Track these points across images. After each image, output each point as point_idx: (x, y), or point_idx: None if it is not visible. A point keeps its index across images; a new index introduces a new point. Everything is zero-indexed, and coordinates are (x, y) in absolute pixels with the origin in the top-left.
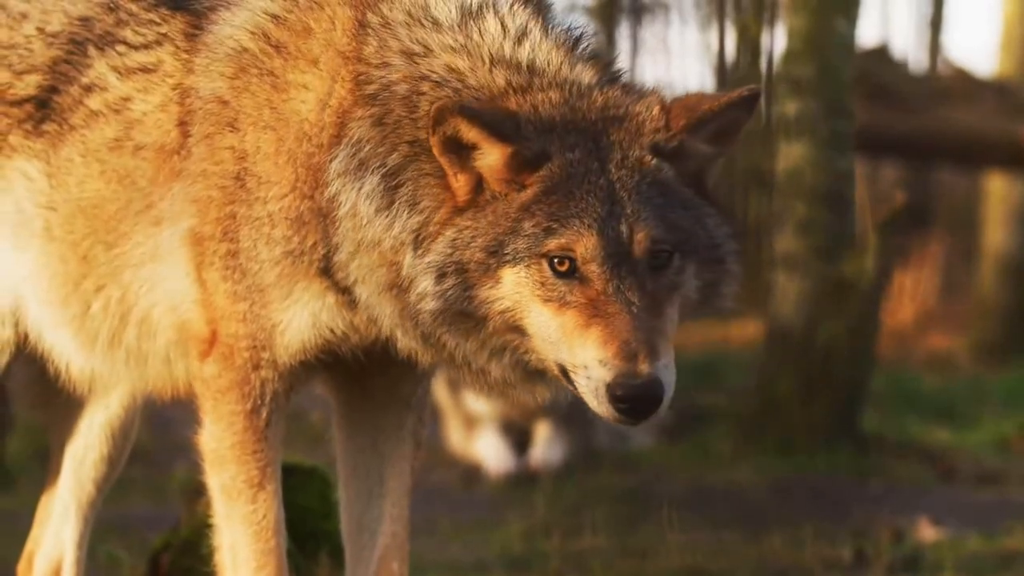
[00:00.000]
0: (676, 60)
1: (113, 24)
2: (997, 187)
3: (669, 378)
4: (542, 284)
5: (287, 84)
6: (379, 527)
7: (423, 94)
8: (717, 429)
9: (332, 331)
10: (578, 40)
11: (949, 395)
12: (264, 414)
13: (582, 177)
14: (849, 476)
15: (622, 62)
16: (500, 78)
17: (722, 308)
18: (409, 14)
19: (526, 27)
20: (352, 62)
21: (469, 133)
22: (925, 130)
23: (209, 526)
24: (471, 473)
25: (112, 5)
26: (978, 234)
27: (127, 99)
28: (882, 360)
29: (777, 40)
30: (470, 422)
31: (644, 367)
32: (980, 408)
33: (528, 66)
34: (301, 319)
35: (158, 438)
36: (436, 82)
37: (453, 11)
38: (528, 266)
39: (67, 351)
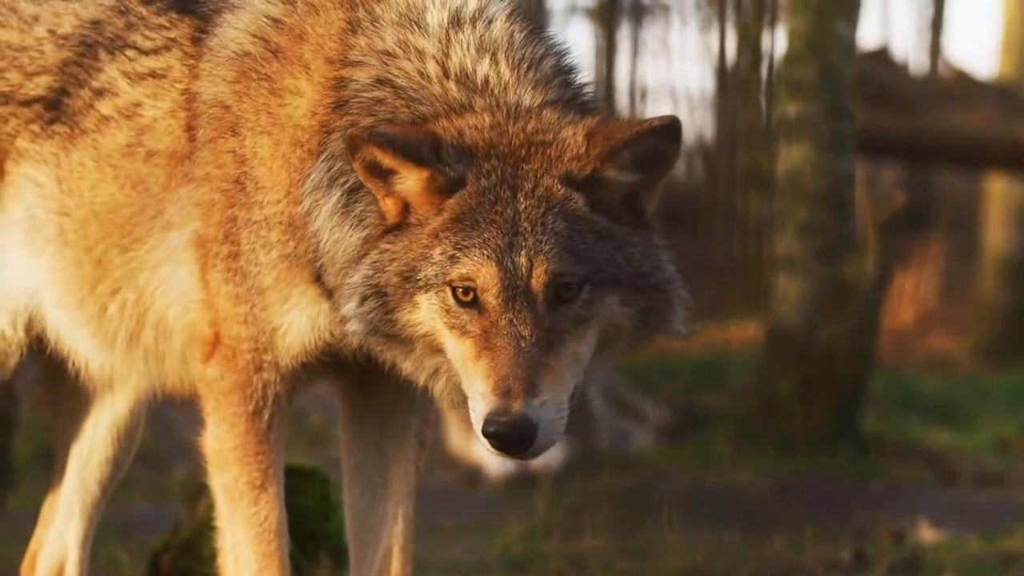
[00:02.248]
0: (677, 62)
1: (123, 27)
2: (997, 189)
3: (546, 416)
4: (447, 311)
5: (283, 89)
6: (383, 527)
7: (382, 102)
8: (717, 430)
9: (331, 334)
10: (542, 59)
11: (949, 396)
12: (266, 416)
13: (491, 205)
14: (849, 477)
15: (590, 80)
16: (451, 93)
17: (673, 333)
18: (402, 15)
19: (496, 42)
20: (336, 67)
21: (385, 159)
22: (925, 132)
23: (209, 527)
24: (471, 474)
25: (123, 8)
26: (978, 235)
27: (138, 104)
28: (882, 361)
29: (778, 42)
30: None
31: (516, 405)
32: (980, 409)
33: (481, 83)
34: (301, 322)
35: (159, 439)
36: (397, 87)
37: (444, 17)
38: (437, 292)
39: (86, 351)
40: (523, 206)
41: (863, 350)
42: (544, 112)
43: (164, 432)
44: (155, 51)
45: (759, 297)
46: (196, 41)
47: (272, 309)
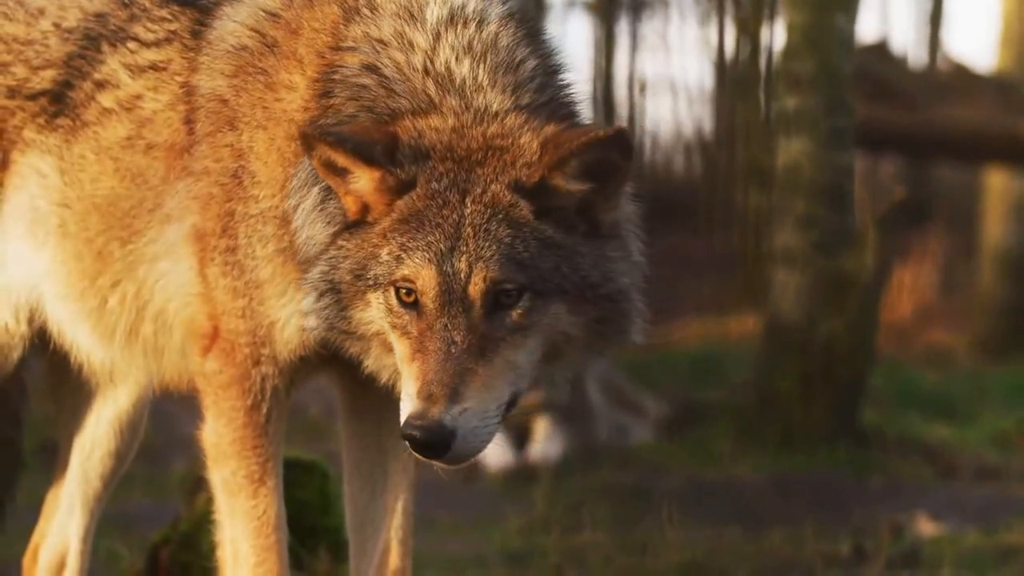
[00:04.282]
0: (676, 56)
1: (126, 20)
2: (996, 182)
3: (467, 424)
4: (391, 311)
5: (278, 84)
6: (383, 521)
7: (366, 88)
8: (716, 425)
9: None
10: (522, 62)
11: (948, 391)
12: (265, 410)
13: (438, 209)
14: (848, 472)
15: (576, 82)
16: (427, 90)
17: (629, 342)
18: (402, 6)
19: (483, 44)
20: (327, 60)
21: (338, 158)
22: (924, 126)
23: (208, 521)
24: (470, 468)
25: (127, 1)
26: (977, 229)
27: (138, 97)
28: (881, 356)
29: (777, 36)
30: None
31: (434, 411)
32: (979, 404)
33: (458, 84)
34: (298, 316)
35: (158, 433)
36: (382, 76)
37: (444, 14)
38: (384, 292)
39: (87, 345)
40: (469, 211)
41: (862, 344)
42: (508, 117)
43: (163, 426)
44: (156, 43)
45: (758, 291)
46: (195, 34)
47: (269, 303)
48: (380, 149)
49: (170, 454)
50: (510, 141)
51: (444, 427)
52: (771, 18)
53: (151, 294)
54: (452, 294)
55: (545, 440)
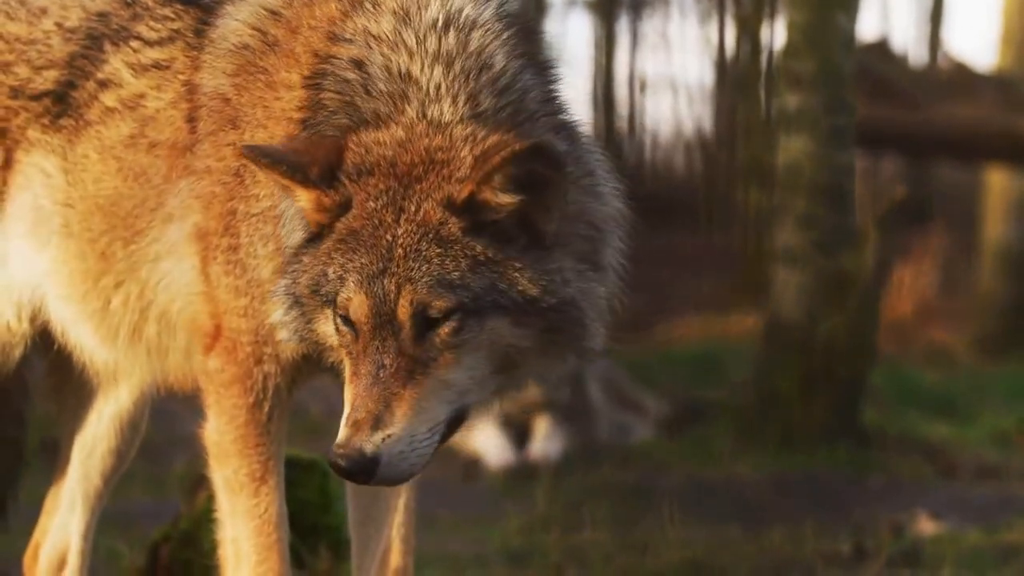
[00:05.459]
0: (676, 54)
1: (129, 19)
2: (997, 181)
3: (392, 450)
4: (337, 330)
5: (277, 83)
6: (385, 518)
7: (349, 83)
8: (717, 424)
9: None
10: (485, 69)
11: (949, 389)
12: (266, 408)
13: (373, 229)
14: (849, 471)
15: (555, 90)
16: (394, 96)
17: (585, 353)
18: (404, 5)
19: (456, 47)
20: (322, 59)
21: (275, 178)
22: (925, 124)
23: (208, 519)
24: (470, 467)
25: (129, 0)
26: (978, 228)
27: (141, 96)
28: (882, 354)
29: (777, 34)
30: None
31: (355, 439)
32: (980, 402)
33: (425, 91)
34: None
35: (159, 431)
36: (367, 74)
37: (439, 18)
38: (332, 310)
39: (90, 345)
40: (401, 231)
41: (862, 343)
42: (456, 128)
43: (164, 424)
44: (159, 42)
45: (759, 290)
46: (199, 33)
47: (271, 301)
48: (316, 170)
49: (171, 452)
50: (452, 154)
51: (365, 455)
52: (771, 16)
53: (154, 295)
54: (382, 317)
55: (545, 439)
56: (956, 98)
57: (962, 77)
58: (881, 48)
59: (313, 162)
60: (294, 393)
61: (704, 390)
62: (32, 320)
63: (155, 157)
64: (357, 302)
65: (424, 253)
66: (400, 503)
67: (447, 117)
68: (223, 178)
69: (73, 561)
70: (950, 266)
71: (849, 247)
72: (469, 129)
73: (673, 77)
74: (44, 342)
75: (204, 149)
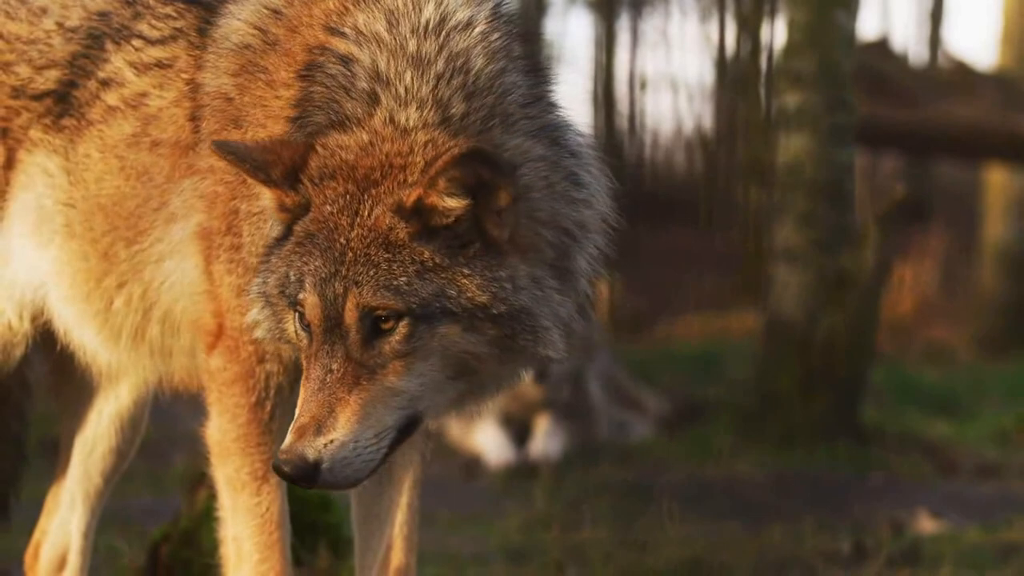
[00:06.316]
0: (676, 53)
1: (130, 18)
2: (997, 179)
3: (335, 456)
4: (296, 331)
5: (277, 82)
6: (388, 516)
7: (335, 78)
8: (717, 421)
9: None
10: (468, 70)
11: (949, 388)
12: (268, 407)
13: (328, 233)
14: (849, 469)
15: (542, 94)
16: (365, 99)
17: (541, 358)
18: (401, 3)
19: (436, 51)
20: (317, 56)
21: (242, 175)
22: (925, 123)
23: (209, 518)
24: (471, 465)
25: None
26: (978, 226)
27: (144, 94)
28: (882, 353)
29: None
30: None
31: (298, 445)
32: (980, 401)
33: (397, 95)
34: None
35: (159, 429)
36: (351, 71)
37: (431, 20)
38: (295, 310)
39: (93, 346)
40: (354, 235)
41: (862, 341)
42: (419, 133)
43: (164, 423)
44: (162, 41)
45: (759, 288)
46: (201, 32)
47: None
48: (280, 170)
49: (171, 450)
50: (408, 160)
51: (307, 461)
52: (772, 15)
53: (157, 295)
54: (331, 320)
55: (545, 437)
56: (956, 97)
57: (962, 76)
58: (881, 47)
59: (277, 162)
60: (296, 391)
61: (704, 388)
62: (34, 320)
63: (158, 156)
64: (310, 304)
65: (372, 257)
66: (403, 501)
67: (412, 122)
68: (226, 177)
69: (73, 560)
70: (950, 265)
71: (849, 246)
72: (430, 135)
73: (673, 76)
74: (46, 342)
75: (207, 148)
